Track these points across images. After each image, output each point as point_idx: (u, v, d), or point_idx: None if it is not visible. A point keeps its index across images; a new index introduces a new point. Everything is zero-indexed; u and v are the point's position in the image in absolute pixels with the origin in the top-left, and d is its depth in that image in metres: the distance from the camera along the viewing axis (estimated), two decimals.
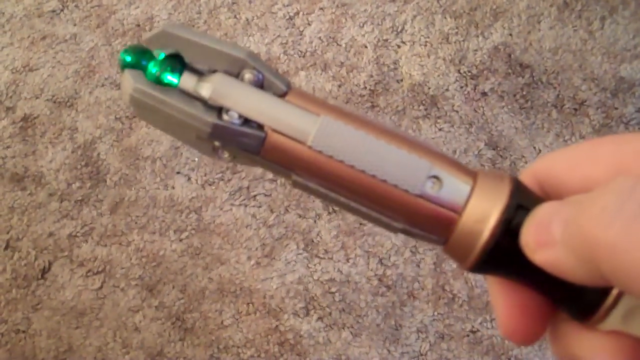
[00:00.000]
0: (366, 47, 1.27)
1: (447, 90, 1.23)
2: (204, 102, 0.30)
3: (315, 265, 1.12)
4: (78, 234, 1.14)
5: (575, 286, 0.25)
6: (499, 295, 0.29)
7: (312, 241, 1.13)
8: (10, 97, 1.24)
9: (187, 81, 0.30)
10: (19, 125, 1.22)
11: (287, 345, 1.08)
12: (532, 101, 1.22)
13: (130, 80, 0.30)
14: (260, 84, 0.30)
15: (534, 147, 1.19)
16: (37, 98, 1.24)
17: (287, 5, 1.30)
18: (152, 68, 0.30)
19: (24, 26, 1.31)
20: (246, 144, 0.30)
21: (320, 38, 1.28)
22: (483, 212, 0.27)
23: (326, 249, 1.12)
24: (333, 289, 1.11)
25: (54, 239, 1.14)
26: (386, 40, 1.27)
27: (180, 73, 0.31)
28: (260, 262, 1.12)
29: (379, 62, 1.25)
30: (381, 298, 1.10)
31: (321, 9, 1.30)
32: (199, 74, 0.31)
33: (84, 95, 1.24)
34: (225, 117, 0.30)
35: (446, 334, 1.08)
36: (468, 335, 1.07)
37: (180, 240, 1.13)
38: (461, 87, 1.23)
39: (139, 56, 0.31)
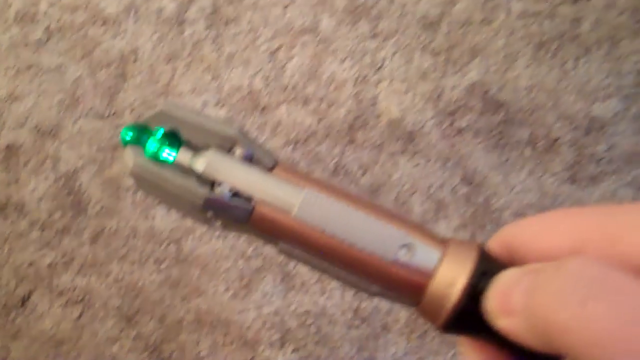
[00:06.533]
0: (346, 82, 1.29)
1: (424, 126, 1.25)
2: (198, 176, 0.33)
3: (291, 297, 1.14)
4: (58, 264, 1.16)
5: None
6: (469, 354, 0.32)
7: (289, 274, 1.15)
8: None
9: (183, 156, 0.33)
10: (2, 154, 1.24)
11: None
12: (506, 138, 1.24)
13: (131, 156, 0.33)
14: (249, 159, 0.33)
15: (508, 184, 1.21)
16: (21, 127, 1.26)
17: (270, 40, 1.32)
18: (151, 145, 0.33)
19: (10, 55, 1.33)
20: (236, 214, 0.32)
21: (301, 73, 1.30)
22: (451, 278, 0.30)
23: (303, 282, 1.14)
24: (309, 321, 1.13)
25: (34, 268, 1.16)
26: (366, 76, 1.30)
27: (177, 148, 0.33)
28: (238, 294, 1.14)
29: (358, 97, 1.28)
30: (355, 330, 1.12)
31: (303, 43, 1.32)
32: (194, 149, 0.33)
33: (68, 125, 1.26)
34: (217, 189, 0.32)
35: None
36: None
37: (160, 270, 1.15)
38: (438, 124, 1.26)
39: (139, 133, 0.33)
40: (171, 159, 0.33)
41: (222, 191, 0.32)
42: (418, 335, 1.11)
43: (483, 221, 1.19)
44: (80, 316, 1.13)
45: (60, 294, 1.14)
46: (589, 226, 0.28)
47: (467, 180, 1.21)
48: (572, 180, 1.22)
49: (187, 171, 0.33)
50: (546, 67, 1.30)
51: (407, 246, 0.31)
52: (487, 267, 0.30)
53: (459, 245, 0.31)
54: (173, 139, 0.34)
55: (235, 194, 0.32)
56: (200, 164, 0.33)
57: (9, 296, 1.14)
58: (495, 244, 0.32)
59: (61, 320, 1.13)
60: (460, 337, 0.32)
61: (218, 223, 0.34)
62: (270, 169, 0.33)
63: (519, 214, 1.19)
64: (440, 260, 0.31)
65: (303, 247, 0.33)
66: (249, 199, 0.32)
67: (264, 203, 0.32)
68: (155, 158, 0.33)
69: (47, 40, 1.34)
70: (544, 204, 1.20)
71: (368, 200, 0.33)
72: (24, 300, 1.14)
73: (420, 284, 0.31)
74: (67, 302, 1.14)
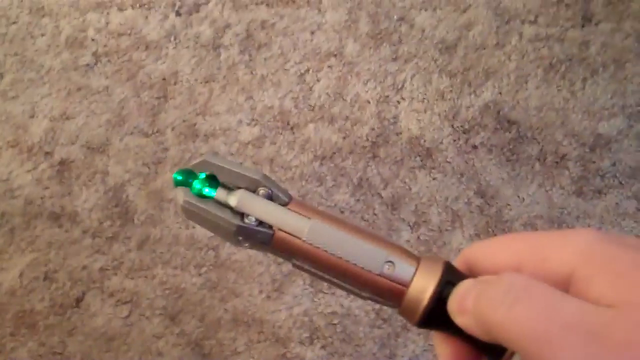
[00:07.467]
0: (369, 102, 1.36)
1: (441, 143, 1.33)
2: (232, 209, 0.42)
3: (319, 299, 1.23)
4: (109, 268, 1.25)
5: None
6: (439, 344, 0.40)
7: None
8: (49, 143, 1.34)
9: (220, 195, 0.43)
10: (56, 168, 1.32)
11: None
12: (517, 154, 1.32)
13: (181, 195, 0.43)
14: (270, 197, 0.42)
15: (518, 196, 1.29)
16: (72, 144, 1.34)
17: (299, 63, 1.40)
18: (196, 186, 0.43)
19: (62, 78, 1.40)
20: (260, 239, 0.42)
21: (328, 93, 1.37)
22: (423, 286, 0.39)
23: (329, 285, 1.23)
24: (335, 321, 1.21)
25: (87, 271, 1.25)
26: (387, 96, 1.37)
27: (216, 188, 0.43)
28: (271, 296, 1.23)
29: (380, 116, 1.35)
30: (378, 330, 1.21)
31: (329, 66, 1.39)
32: (229, 189, 0.43)
33: (115, 142, 1.34)
34: (246, 220, 0.42)
35: None
36: None
37: (200, 274, 1.24)
38: (454, 141, 1.33)
39: (187, 176, 0.43)
40: (212, 195, 0.43)
41: (250, 221, 0.42)
42: None
43: (495, 231, 1.26)
44: (129, 315, 1.22)
45: (111, 295, 1.23)
46: (527, 248, 0.35)
47: (481, 193, 1.30)
48: (579, 193, 1.30)
49: (223, 206, 0.42)
50: (555, 88, 1.37)
51: (389, 262, 0.40)
52: (451, 277, 0.38)
53: (429, 261, 0.40)
54: (213, 181, 0.43)
55: (260, 223, 0.42)
56: (233, 200, 0.42)
57: (65, 297, 1.23)
58: (460, 261, 0.40)
59: (112, 319, 1.22)
60: (433, 331, 0.41)
61: (246, 245, 0.43)
62: (286, 204, 0.42)
63: (529, 225, 1.27)
64: (415, 273, 0.39)
65: (311, 263, 0.41)
66: (270, 227, 0.42)
67: (281, 230, 0.41)
68: (200, 195, 0.43)
69: (95, 64, 1.42)
70: (552, 215, 1.28)
71: (360, 226, 0.42)
72: (79, 301, 1.23)
73: (400, 291, 0.40)
74: (117, 302, 1.23)
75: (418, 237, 1.27)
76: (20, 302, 1.24)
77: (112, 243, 1.27)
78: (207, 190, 0.43)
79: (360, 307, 1.22)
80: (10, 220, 1.29)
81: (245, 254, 1.25)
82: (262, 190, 0.42)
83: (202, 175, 0.43)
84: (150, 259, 1.26)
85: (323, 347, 1.20)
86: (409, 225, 1.28)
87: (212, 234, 1.25)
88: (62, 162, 1.34)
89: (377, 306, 1.21)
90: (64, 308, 1.23)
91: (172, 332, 1.21)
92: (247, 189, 0.43)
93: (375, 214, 1.29)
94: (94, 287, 1.25)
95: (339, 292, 1.22)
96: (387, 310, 1.22)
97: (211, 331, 1.21)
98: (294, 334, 1.21)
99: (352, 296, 1.19)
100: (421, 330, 1.20)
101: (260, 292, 1.23)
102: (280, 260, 1.21)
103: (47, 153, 1.34)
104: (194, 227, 1.27)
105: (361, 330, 1.21)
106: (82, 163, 1.34)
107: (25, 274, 1.25)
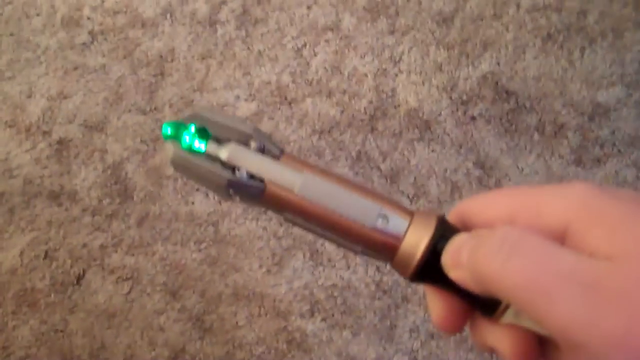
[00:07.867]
0: (367, 75, 1.36)
1: (439, 115, 1.33)
2: (222, 163, 0.41)
3: (319, 272, 1.23)
4: (109, 245, 1.26)
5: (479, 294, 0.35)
6: (432, 298, 0.40)
7: (317, 251, 1.24)
8: (47, 122, 1.34)
9: (211, 147, 0.41)
10: (54, 147, 1.33)
11: (294, 343, 1.19)
12: (516, 125, 1.32)
13: (171, 148, 0.42)
14: (262, 150, 0.42)
15: (517, 167, 1.29)
16: (70, 123, 1.34)
17: (296, 38, 1.40)
18: (186, 139, 0.42)
19: (58, 57, 1.41)
20: (251, 192, 0.41)
21: (325, 68, 1.37)
22: (417, 240, 0.38)
23: (329, 258, 1.23)
24: (335, 294, 1.22)
25: (87, 249, 1.25)
26: (385, 69, 1.37)
27: (207, 141, 0.42)
28: (271, 270, 1.23)
29: (378, 89, 1.35)
30: (378, 301, 1.22)
31: (326, 41, 1.40)
32: (219, 142, 0.42)
33: (113, 120, 1.34)
34: (237, 173, 0.41)
35: (435, 333, 1.19)
36: (455, 335, 1.19)
37: (200, 250, 1.25)
38: (452, 112, 1.33)
39: (177, 129, 0.42)
40: (202, 149, 0.42)
41: (241, 174, 0.40)
42: None
43: None
44: (130, 291, 1.23)
45: (112, 272, 1.24)
46: (521, 202, 0.35)
47: (480, 164, 1.30)
48: (578, 162, 1.30)
49: (214, 159, 0.41)
50: (553, 58, 1.37)
51: (383, 216, 0.39)
52: (444, 231, 0.38)
53: (423, 215, 0.39)
54: (203, 133, 0.42)
55: (251, 177, 0.41)
56: (224, 153, 0.41)
57: (66, 275, 1.24)
58: (454, 215, 0.40)
59: (113, 295, 1.23)
60: (426, 286, 0.40)
61: (237, 198, 0.42)
62: (278, 157, 0.41)
63: None
64: (408, 227, 0.39)
65: (303, 216, 0.41)
66: (261, 180, 0.41)
67: (272, 183, 0.40)
68: (190, 149, 0.41)
69: (91, 42, 1.42)
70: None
71: (353, 181, 0.42)
72: (79, 278, 1.24)
73: (393, 245, 0.39)
74: (117, 279, 1.24)
75: (417, 209, 1.27)
76: (21, 281, 1.24)
77: (112, 220, 1.28)
78: (197, 143, 0.42)
79: (361, 279, 1.22)
80: (10, 200, 1.30)
81: (245, 229, 1.25)
82: (253, 144, 0.42)
83: (193, 129, 0.42)
84: (150, 235, 1.26)
85: (324, 319, 1.21)
86: (408, 198, 1.28)
87: (211, 210, 1.27)
88: (60, 141, 1.34)
89: (378, 278, 1.22)
90: (65, 286, 1.24)
91: (173, 308, 1.22)
92: (238, 142, 0.42)
93: (374, 187, 1.29)
94: (95, 264, 1.25)
95: (339, 264, 1.23)
96: (388, 282, 1.22)
97: (212, 306, 1.22)
98: (295, 307, 1.21)
99: (351, 269, 1.20)
100: (421, 301, 1.21)
101: (261, 266, 1.24)
102: (280, 234, 1.23)
103: (45, 132, 1.35)
104: (193, 203, 1.28)
105: (361, 302, 1.21)
106: (80, 142, 1.34)
107: (26, 253, 1.26)
